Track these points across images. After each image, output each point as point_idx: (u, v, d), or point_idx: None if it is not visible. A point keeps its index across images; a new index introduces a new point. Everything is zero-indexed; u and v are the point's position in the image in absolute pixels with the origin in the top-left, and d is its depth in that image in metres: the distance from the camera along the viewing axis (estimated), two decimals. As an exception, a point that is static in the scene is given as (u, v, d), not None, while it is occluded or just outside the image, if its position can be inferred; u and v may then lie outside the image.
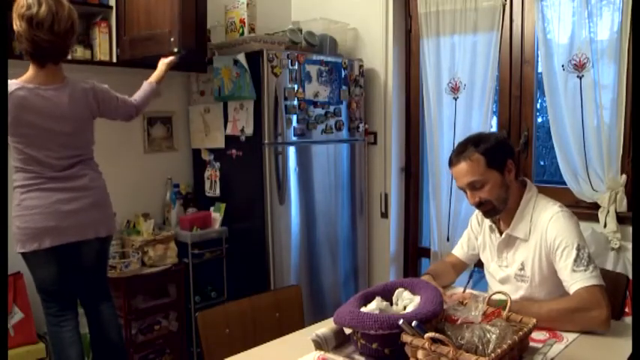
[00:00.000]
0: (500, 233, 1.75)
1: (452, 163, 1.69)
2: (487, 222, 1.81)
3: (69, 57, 2.30)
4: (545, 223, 1.63)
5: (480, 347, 1.20)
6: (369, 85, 3.12)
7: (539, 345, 1.40)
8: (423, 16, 2.90)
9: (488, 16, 2.68)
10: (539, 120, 2.74)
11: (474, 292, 1.81)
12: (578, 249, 1.56)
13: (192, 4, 2.66)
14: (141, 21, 2.46)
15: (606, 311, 1.48)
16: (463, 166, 1.64)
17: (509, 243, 1.73)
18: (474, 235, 1.90)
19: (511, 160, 1.67)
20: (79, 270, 2.18)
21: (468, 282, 1.89)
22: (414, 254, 3.26)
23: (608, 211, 2.33)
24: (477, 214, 1.92)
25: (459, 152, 1.66)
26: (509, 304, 1.40)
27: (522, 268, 1.69)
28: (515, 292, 1.68)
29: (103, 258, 2.28)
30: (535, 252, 1.65)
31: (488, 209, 1.68)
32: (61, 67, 2.05)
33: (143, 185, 2.88)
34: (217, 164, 2.87)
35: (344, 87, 2.92)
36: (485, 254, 1.84)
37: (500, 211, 1.69)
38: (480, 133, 1.73)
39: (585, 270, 1.52)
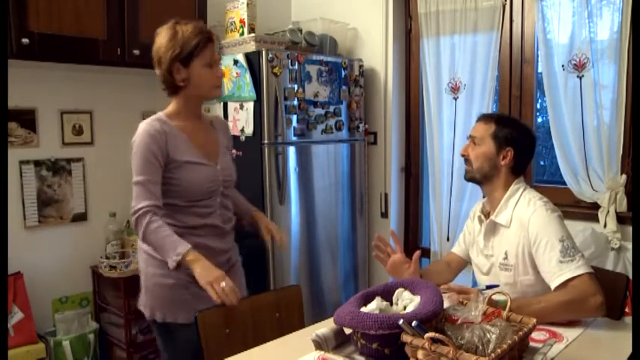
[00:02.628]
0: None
1: (479, 119, 1.85)
2: (477, 215, 1.87)
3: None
4: (527, 217, 1.66)
5: (480, 347, 1.20)
6: (369, 85, 3.12)
7: (539, 345, 1.40)
8: (423, 16, 2.90)
9: (488, 16, 2.68)
10: (539, 120, 2.74)
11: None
12: (562, 240, 1.58)
13: (193, 4, 2.67)
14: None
15: (600, 297, 1.51)
16: (479, 123, 1.83)
17: (494, 230, 1.77)
18: (468, 231, 1.95)
19: (512, 151, 1.75)
20: None
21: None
22: (414, 254, 3.26)
23: (608, 211, 2.33)
24: (471, 211, 1.97)
25: (488, 115, 1.86)
26: (509, 304, 1.40)
27: (506, 257, 1.72)
28: (500, 281, 1.72)
29: None
30: (518, 243, 1.68)
31: (467, 169, 1.83)
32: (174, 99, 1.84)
33: (143, 185, 2.88)
34: (217, 164, 2.86)
35: (344, 87, 2.92)
36: (473, 249, 1.89)
37: (475, 178, 1.81)
38: (514, 118, 1.92)
39: (572, 260, 1.55)
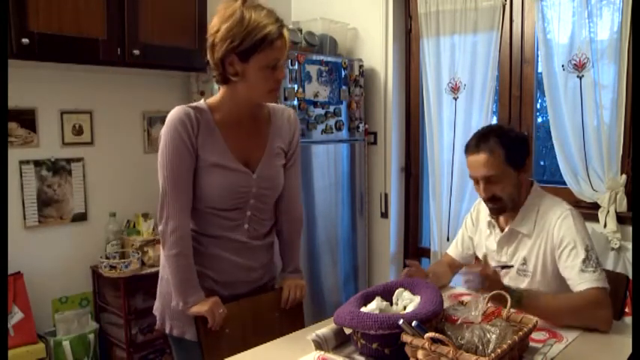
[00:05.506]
0: (501, 229, 1.75)
1: (470, 150, 1.64)
2: (483, 220, 1.82)
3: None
4: (554, 220, 1.63)
5: (480, 347, 1.20)
6: (369, 85, 3.12)
7: (539, 345, 1.40)
8: (423, 16, 2.90)
9: (488, 16, 2.68)
10: (539, 120, 2.73)
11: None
12: (587, 250, 1.56)
13: (193, 4, 2.67)
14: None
15: (609, 313, 1.50)
16: (483, 157, 1.60)
17: (510, 238, 1.73)
18: (469, 235, 1.91)
19: (529, 157, 1.68)
20: None
21: None
22: (414, 254, 3.26)
23: (608, 211, 2.33)
24: (471, 213, 1.93)
25: (480, 141, 1.62)
26: (509, 304, 1.40)
27: (525, 263, 1.69)
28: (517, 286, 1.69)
29: None
30: (540, 248, 1.65)
31: (499, 207, 1.67)
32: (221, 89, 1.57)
33: (143, 185, 2.88)
34: (217, 164, 2.86)
35: (344, 87, 2.92)
36: (480, 252, 1.85)
37: (508, 209, 1.68)
38: (501, 125, 1.72)
39: (594, 272, 1.53)
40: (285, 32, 1.45)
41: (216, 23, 1.43)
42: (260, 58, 1.42)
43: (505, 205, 1.67)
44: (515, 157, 1.62)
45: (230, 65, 1.44)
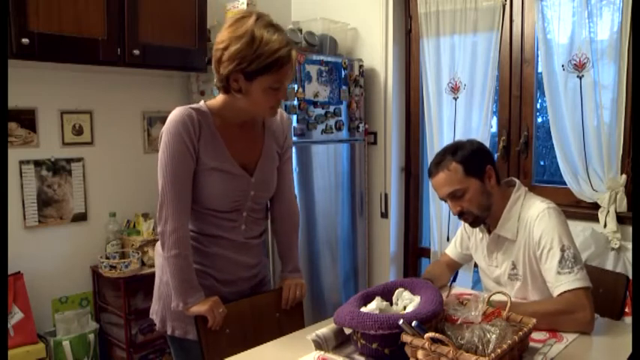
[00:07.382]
0: (490, 233, 1.75)
1: (431, 173, 1.70)
2: None
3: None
4: (532, 221, 1.63)
5: (480, 347, 1.20)
6: (369, 85, 3.12)
7: (539, 345, 1.40)
8: (423, 16, 2.90)
9: (488, 16, 2.68)
10: (539, 120, 2.74)
11: (475, 292, 1.81)
12: (563, 250, 1.55)
13: (193, 4, 2.67)
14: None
15: (590, 313, 1.49)
16: (442, 176, 1.65)
17: (497, 243, 1.73)
18: (467, 235, 1.91)
19: (490, 166, 1.68)
20: None
21: (451, 283, 1.88)
22: (414, 254, 3.26)
23: (608, 211, 2.33)
24: None
25: (437, 163, 1.68)
26: (509, 304, 1.40)
27: (514, 267, 1.69)
28: (510, 291, 1.69)
29: None
30: (525, 251, 1.65)
31: (472, 220, 1.70)
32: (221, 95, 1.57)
33: (143, 185, 2.88)
34: (217, 164, 2.86)
35: (344, 87, 2.92)
36: (477, 255, 1.85)
37: (483, 219, 1.70)
38: (456, 142, 1.74)
39: (570, 272, 1.52)
40: (294, 55, 1.46)
41: (226, 39, 1.43)
42: (265, 79, 1.44)
43: (478, 216, 1.68)
44: (474, 167, 1.65)
45: (235, 81, 1.46)
